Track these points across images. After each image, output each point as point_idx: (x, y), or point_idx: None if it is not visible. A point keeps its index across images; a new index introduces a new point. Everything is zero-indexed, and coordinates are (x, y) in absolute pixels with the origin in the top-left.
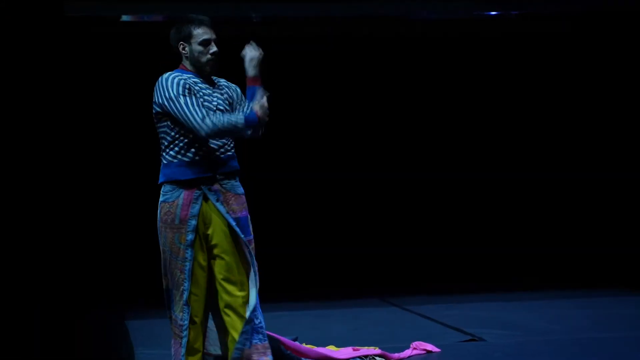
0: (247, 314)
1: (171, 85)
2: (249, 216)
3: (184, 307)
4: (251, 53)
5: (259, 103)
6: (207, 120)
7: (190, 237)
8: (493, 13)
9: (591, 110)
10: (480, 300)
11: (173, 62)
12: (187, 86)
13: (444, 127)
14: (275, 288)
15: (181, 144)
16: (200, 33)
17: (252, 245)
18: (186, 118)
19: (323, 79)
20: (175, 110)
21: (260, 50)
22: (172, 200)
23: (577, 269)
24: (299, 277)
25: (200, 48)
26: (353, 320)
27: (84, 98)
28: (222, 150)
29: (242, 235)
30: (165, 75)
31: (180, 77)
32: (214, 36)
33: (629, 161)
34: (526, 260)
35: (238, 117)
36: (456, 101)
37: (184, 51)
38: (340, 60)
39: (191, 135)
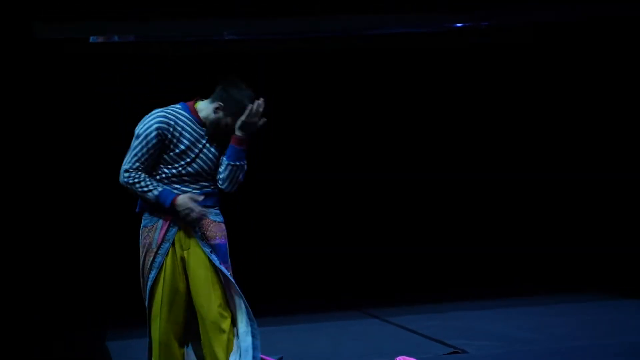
0: (241, 338)
1: (149, 121)
2: (227, 244)
3: (152, 325)
4: (250, 118)
5: (185, 201)
6: (123, 175)
7: (159, 259)
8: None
9: (585, 111)
10: (460, 309)
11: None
12: (159, 134)
13: (431, 129)
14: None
15: (158, 177)
16: (242, 113)
17: (230, 272)
18: (127, 155)
19: (323, 84)
20: (133, 144)
21: (263, 119)
22: (151, 224)
23: (557, 272)
24: (273, 285)
25: (227, 120)
26: (336, 334)
27: (53, 119)
28: (201, 189)
29: (217, 261)
30: (157, 109)
31: (165, 117)
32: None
33: (619, 162)
34: (505, 265)
35: (152, 192)
36: (456, 104)
37: (215, 106)
38: (339, 68)
39: (168, 167)
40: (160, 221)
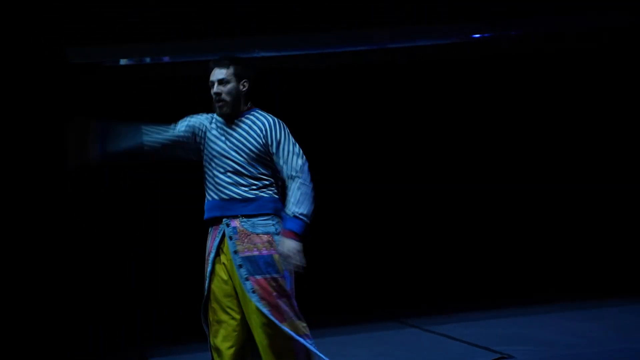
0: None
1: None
2: (273, 255)
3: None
4: (288, 261)
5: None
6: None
7: (209, 268)
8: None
9: (604, 118)
10: (497, 317)
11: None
12: (196, 123)
13: (461, 139)
14: None
15: (208, 184)
16: (210, 77)
17: (280, 282)
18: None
19: (336, 99)
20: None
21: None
22: (210, 233)
23: (588, 278)
24: (306, 299)
25: (211, 91)
26: (376, 345)
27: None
28: (243, 193)
29: (244, 275)
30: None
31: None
32: (215, 77)
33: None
34: (536, 273)
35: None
36: (476, 114)
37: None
38: (353, 82)
39: (211, 175)
40: (211, 232)
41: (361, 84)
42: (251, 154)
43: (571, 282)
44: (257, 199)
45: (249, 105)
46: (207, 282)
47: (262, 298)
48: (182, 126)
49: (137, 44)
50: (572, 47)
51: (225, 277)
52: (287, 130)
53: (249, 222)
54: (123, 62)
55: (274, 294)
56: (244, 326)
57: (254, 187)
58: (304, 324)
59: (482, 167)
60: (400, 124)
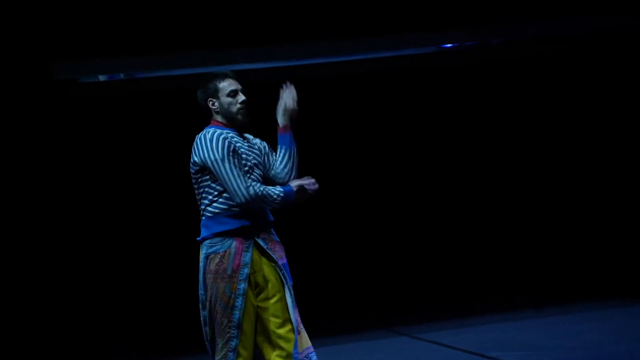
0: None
1: (216, 145)
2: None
3: (229, 353)
4: (288, 104)
5: (300, 185)
6: (251, 189)
7: (242, 285)
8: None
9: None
10: (489, 322)
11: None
12: (232, 147)
13: (457, 146)
14: None
15: (228, 195)
16: (227, 85)
17: (292, 291)
18: (229, 183)
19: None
20: (220, 172)
21: (295, 105)
22: (223, 250)
23: (580, 281)
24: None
25: (229, 99)
26: (370, 354)
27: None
28: None
29: (288, 281)
30: (207, 134)
31: (223, 136)
32: (240, 86)
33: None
34: (527, 277)
35: (276, 191)
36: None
37: (214, 107)
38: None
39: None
40: (234, 245)
41: (349, 94)
42: (266, 162)
43: (563, 285)
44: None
45: None
46: (240, 299)
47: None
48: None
49: (118, 58)
50: (557, 51)
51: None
52: None
53: (272, 233)
54: (102, 78)
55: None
56: None
57: None
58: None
59: (470, 173)
60: (393, 132)
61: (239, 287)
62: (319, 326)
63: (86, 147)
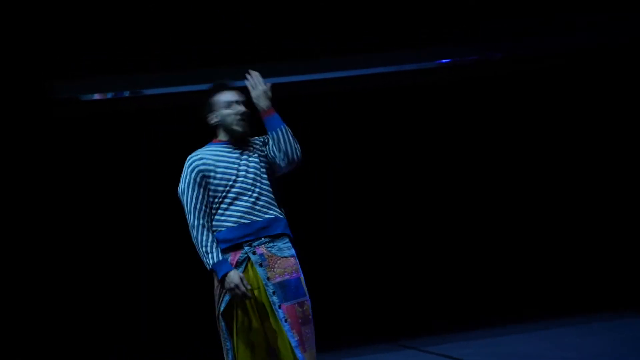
0: None
1: (184, 176)
2: (300, 277)
3: None
4: (256, 91)
5: (230, 281)
6: (192, 231)
7: (226, 297)
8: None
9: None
10: (496, 335)
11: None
12: (199, 175)
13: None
14: None
15: (220, 211)
16: (222, 97)
17: (306, 307)
18: (186, 215)
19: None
20: (182, 203)
21: (265, 84)
22: None
23: (582, 293)
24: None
25: (226, 111)
26: None
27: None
28: (263, 214)
29: (276, 304)
30: (190, 157)
31: (196, 160)
32: (238, 97)
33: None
34: (534, 288)
35: (207, 254)
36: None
37: (215, 120)
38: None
39: (227, 202)
40: (229, 257)
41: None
42: (263, 169)
43: (568, 297)
44: (275, 218)
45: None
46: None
47: (292, 328)
48: (200, 192)
49: (115, 76)
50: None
51: (256, 323)
52: None
53: (275, 247)
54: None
55: (300, 321)
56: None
57: (273, 205)
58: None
59: (473, 186)
60: (398, 148)
61: (223, 299)
62: (323, 341)
63: (85, 164)
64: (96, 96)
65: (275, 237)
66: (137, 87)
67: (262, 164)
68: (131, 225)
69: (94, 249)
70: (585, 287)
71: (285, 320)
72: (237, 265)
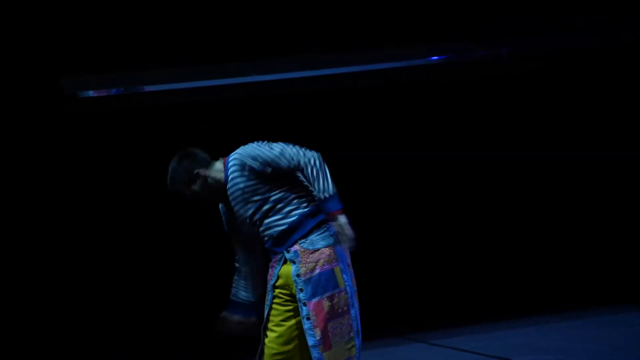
0: None
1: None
2: (334, 269)
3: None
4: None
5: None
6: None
7: (269, 296)
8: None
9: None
10: (505, 328)
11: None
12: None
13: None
14: None
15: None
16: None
17: (336, 300)
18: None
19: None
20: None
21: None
22: (272, 260)
23: (601, 285)
24: None
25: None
26: None
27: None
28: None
29: (303, 299)
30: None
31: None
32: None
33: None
34: (545, 281)
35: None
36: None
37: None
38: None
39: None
40: (272, 259)
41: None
42: (251, 186)
43: (583, 288)
44: (299, 219)
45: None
46: (267, 310)
47: (314, 326)
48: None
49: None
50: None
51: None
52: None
53: (307, 241)
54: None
55: (327, 316)
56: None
57: (288, 209)
58: (354, 343)
59: (480, 184)
60: (402, 145)
61: (267, 297)
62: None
63: (85, 164)
64: (96, 93)
65: (309, 232)
66: (136, 84)
67: (250, 184)
68: (131, 225)
69: (93, 249)
70: (599, 281)
71: (308, 318)
72: (277, 263)
